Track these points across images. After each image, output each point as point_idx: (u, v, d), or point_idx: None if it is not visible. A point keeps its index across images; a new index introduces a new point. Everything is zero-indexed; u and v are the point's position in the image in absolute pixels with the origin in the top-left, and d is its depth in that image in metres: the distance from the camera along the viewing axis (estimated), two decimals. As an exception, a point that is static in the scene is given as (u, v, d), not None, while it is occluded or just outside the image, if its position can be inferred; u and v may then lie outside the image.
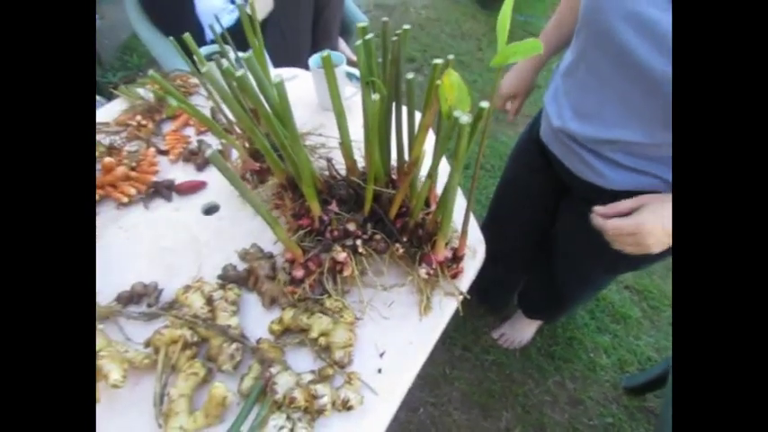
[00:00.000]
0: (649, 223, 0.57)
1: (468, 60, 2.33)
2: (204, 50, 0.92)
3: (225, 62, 0.62)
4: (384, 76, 0.56)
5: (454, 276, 0.67)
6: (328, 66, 0.49)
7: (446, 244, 0.65)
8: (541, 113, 0.88)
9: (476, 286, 0.68)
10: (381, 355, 0.62)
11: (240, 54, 0.58)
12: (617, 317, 1.31)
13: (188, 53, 0.70)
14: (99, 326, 0.62)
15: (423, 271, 0.64)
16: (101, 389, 0.54)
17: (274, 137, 0.57)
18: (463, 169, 1.68)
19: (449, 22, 2.70)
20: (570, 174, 0.80)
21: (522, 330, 1.26)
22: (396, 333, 0.64)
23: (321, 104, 0.99)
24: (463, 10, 2.70)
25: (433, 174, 0.55)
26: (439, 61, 0.49)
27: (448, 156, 0.63)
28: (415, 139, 0.52)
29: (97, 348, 0.56)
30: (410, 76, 0.49)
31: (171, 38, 0.69)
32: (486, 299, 1.33)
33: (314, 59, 0.92)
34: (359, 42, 0.52)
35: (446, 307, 0.66)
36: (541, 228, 1.00)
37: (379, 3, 2.76)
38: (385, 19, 0.57)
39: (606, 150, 0.70)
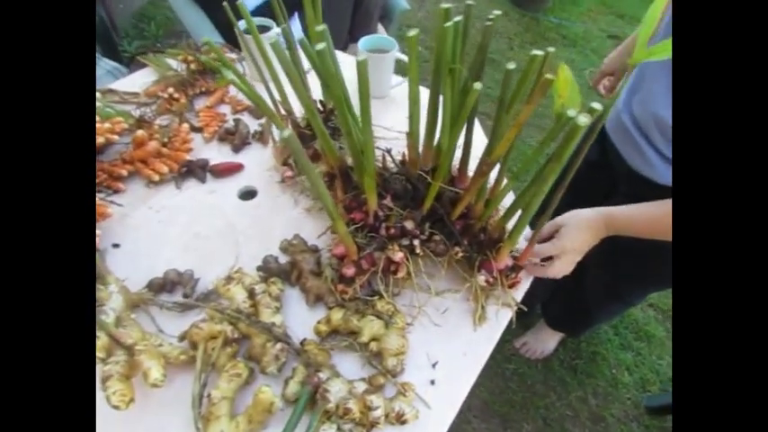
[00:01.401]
0: (568, 244, 0.61)
1: (498, 59, 2.27)
2: (256, 21, 0.86)
3: (282, 36, 0.57)
4: (472, 65, 0.51)
5: (512, 286, 0.63)
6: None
7: (510, 251, 0.61)
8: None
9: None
10: (434, 365, 0.57)
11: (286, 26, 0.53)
12: (640, 334, 1.28)
13: (221, 25, 0.65)
14: (131, 315, 0.57)
15: (482, 278, 0.60)
16: (135, 386, 0.49)
17: (340, 121, 0.52)
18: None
19: (480, 18, 2.64)
20: (623, 163, 0.78)
21: (544, 341, 1.23)
22: (448, 342, 0.59)
23: (374, 93, 0.94)
24: (497, 8, 2.63)
25: (519, 177, 0.50)
26: (539, 53, 0.44)
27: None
28: (500, 137, 0.47)
29: (132, 341, 0.51)
30: (512, 66, 0.44)
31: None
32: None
33: (364, 42, 0.86)
34: (449, 24, 0.47)
35: (502, 318, 0.62)
36: None
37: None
38: (470, 2, 0.52)
39: (656, 136, 0.69)
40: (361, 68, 0.44)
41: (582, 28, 2.50)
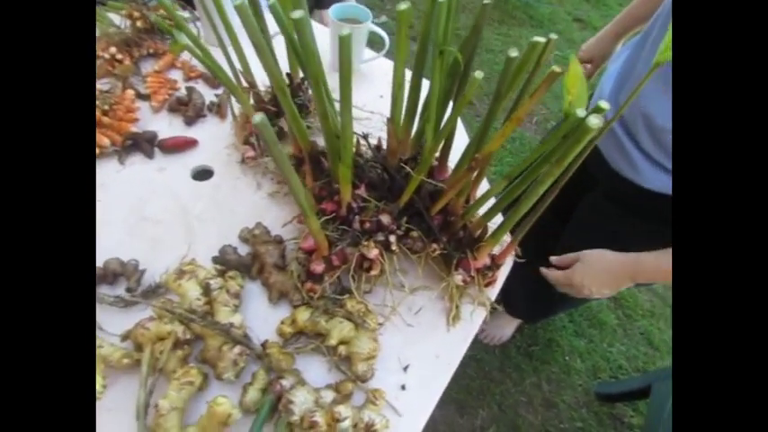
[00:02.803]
0: (578, 279, 0.61)
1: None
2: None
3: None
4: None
5: (488, 285, 0.60)
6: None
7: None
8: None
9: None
10: (406, 368, 0.54)
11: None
12: (594, 322, 1.33)
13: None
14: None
15: (459, 278, 0.57)
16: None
17: (316, 101, 0.46)
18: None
19: (495, 7, 2.56)
20: (605, 165, 0.74)
21: (502, 327, 1.24)
22: (421, 344, 0.56)
23: (334, 65, 0.87)
24: (514, 3, 2.54)
25: (510, 175, 0.46)
26: (541, 39, 0.40)
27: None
28: (488, 131, 0.43)
29: (63, 343, 0.44)
30: (514, 54, 0.39)
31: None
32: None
33: (335, 9, 0.79)
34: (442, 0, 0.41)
35: (476, 318, 0.59)
36: (546, 224, 0.96)
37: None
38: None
39: (643, 136, 0.65)
40: (344, 44, 0.38)
41: (549, 9, 2.48)
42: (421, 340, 0.56)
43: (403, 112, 0.53)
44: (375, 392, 0.50)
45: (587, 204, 0.84)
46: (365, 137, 0.58)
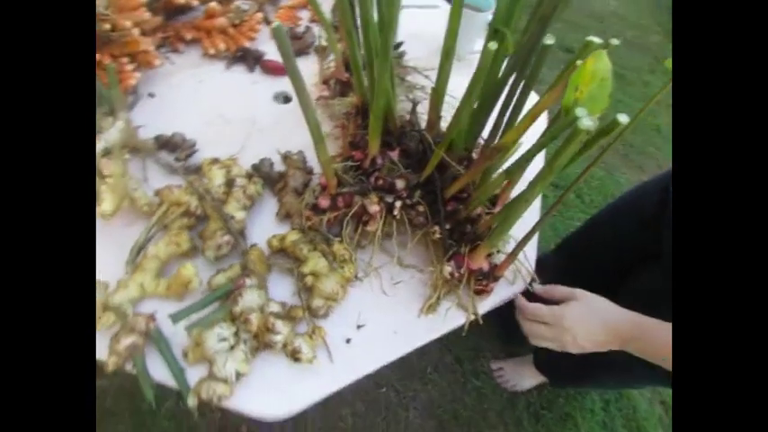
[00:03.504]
0: (568, 320, 0.52)
1: (631, 77, 2.03)
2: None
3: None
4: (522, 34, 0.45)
5: (478, 293, 0.57)
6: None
7: (489, 255, 0.55)
8: None
9: (501, 309, 0.59)
10: (359, 327, 0.55)
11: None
12: (632, 426, 1.15)
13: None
14: (126, 156, 0.61)
15: (448, 269, 0.55)
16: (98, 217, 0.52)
17: (365, 49, 0.49)
18: (552, 188, 1.51)
19: (634, 26, 2.37)
20: None
21: (522, 376, 1.15)
22: (387, 314, 0.56)
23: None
24: (658, 19, 2.34)
25: (514, 172, 0.44)
26: (596, 39, 0.37)
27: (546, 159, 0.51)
28: (515, 123, 0.41)
29: (108, 173, 0.54)
30: (549, 41, 0.37)
31: None
32: (506, 327, 1.21)
33: (460, -4, 0.80)
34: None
35: (451, 318, 0.57)
36: (604, 282, 0.86)
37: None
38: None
39: None
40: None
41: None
42: (388, 311, 0.57)
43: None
44: (317, 329, 0.52)
45: (651, 269, 0.74)
46: (415, 104, 0.59)
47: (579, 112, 0.31)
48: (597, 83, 0.32)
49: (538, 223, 0.47)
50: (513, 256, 0.52)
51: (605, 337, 0.50)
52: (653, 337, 0.48)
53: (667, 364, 0.48)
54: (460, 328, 0.57)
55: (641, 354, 0.49)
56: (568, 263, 0.99)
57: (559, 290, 0.55)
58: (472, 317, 0.57)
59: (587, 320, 0.51)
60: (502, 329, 1.23)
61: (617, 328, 0.50)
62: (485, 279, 0.56)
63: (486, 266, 0.55)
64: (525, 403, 1.15)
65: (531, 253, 0.62)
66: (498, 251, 0.57)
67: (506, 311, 0.60)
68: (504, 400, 1.14)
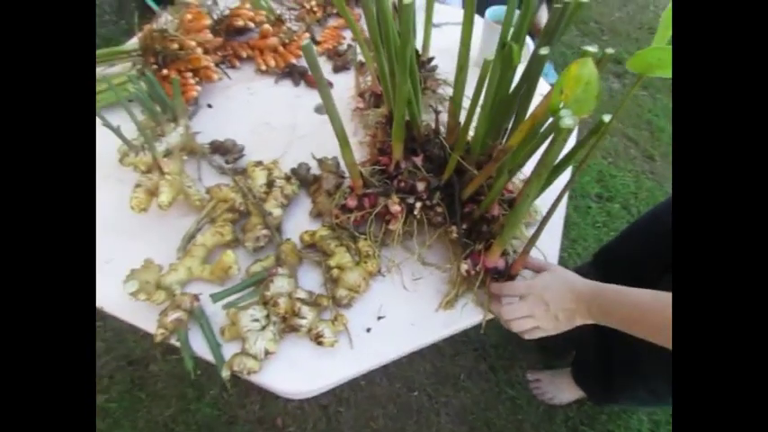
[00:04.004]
0: (539, 287, 0.54)
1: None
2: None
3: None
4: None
5: (495, 291, 0.60)
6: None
7: (504, 254, 0.58)
8: None
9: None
10: (379, 318, 0.59)
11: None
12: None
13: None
14: (183, 157, 0.70)
15: (464, 267, 0.58)
16: (154, 206, 0.61)
17: (388, 63, 0.54)
18: (596, 198, 1.46)
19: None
20: None
21: (560, 389, 1.12)
22: (406, 308, 0.60)
23: (478, 62, 0.92)
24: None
25: (511, 170, 0.47)
26: (592, 49, 0.39)
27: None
28: (516, 126, 0.44)
29: (168, 170, 0.63)
30: (545, 51, 0.40)
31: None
32: (543, 338, 1.19)
33: (492, 11, 0.83)
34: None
35: (468, 315, 0.60)
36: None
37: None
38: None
39: None
40: (406, 14, 0.44)
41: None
42: (407, 305, 0.60)
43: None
44: (340, 316, 0.56)
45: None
46: (436, 112, 0.63)
47: (563, 112, 0.34)
48: (582, 86, 0.34)
49: (544, 219, 0.49)
50: (524, 254, 0.54)
51: (573, 304, 0.52)
52: (608, 296, 0.50)
53: (630, 326, 0.49)
54: (500, 334, 0.59)
55: (604, 318, 0.50)
56: (604, 272, 0.97)
57: (538, 261, 0.58)
58: (489, 316, 0.59)
59: (557, 287, 0.53)
60: (539, 340, 1.21)
61: (582, 292, 0.52)
62: (501, 277, 0.58)
63: (501, 265, 0.58)
64: (563, 417, 1.12)
65: (552, 254, 0.63)
66: (515, 251, 0.59)
67: None
68: (540, 412, 1.12)
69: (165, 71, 0.77)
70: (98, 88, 0.77)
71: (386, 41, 0.51)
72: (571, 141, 0.55)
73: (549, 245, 0.64)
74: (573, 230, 1.41)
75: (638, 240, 0.89)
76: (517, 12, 0.47)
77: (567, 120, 0.33)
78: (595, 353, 1.02)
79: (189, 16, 0.82)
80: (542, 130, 0.38)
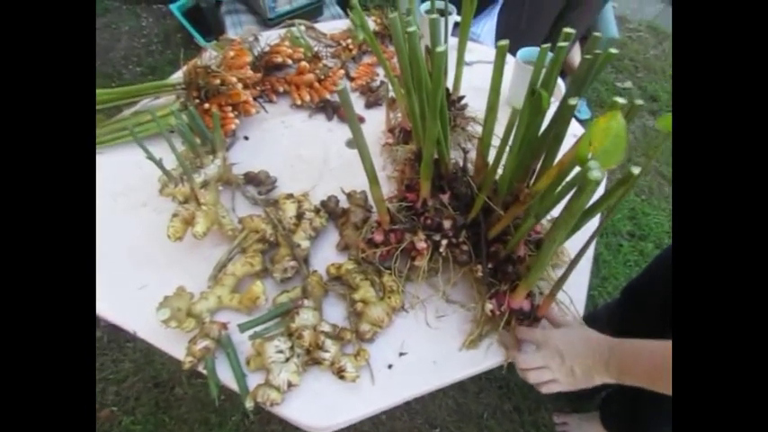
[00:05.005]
0: (555, 340, 0.53)
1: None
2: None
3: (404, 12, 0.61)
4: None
5: (520, 333, 0.59)
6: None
7: (529, 295, 0.57)
8: None
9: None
10: (401, 354, 0.59)
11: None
12: None
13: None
14: (219, 187, 0.73)
15: (489, 306, 0.58)
16: (189, 235, 0.64)
17: (419, 104, 0.56)
18: (628, 237, 1.42)
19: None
20: None
21: (587, 434, 1.07)
22: (428, 345, 0.60)
23: (509, 100, 0.93)
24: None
25: (537, 214, 0.47)
26: (621, 100, 0.40)
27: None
28: (544, 169, 0.44)
29: (204, 201, 0.66)
30: (573, 102, 0.41)
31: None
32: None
33: (523, 51, 0.85)
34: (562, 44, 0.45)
35: (492, 355, 0.59)
36: (663, 322, 0.80)
37: (653, 26, 2.39)
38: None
39: None
40: (438, 60, 0.46)
41: None
42: (430, 342, 0.60)
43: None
44: (362, 351, 0.57)
45: None
46: (465, 152, 0.64)
47: (591, 164, 0.35)
48: (611, 139, 0.35)
49: (572, 262, 0.48)
50: (551, 296, 0.54)
51: (590, 359, 0.50)
52: (625, 350, 0.48)
53: (647, 384, 0.47)
54: (501, 368, 0.58)
55: (624, 376, 0.48)
56: (630, 306, 0.94)
57: (556, 316, 0.57)
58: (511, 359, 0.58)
59: (572, 339, 0.53)
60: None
61: (598, 344, 0.50)
62: (526, 319, 0.58)
63: (526, 306, 0.57)
64: (590, 466, 1.06)
65: (579, 297, 0.62)
66: (541, 293, 0.59)
67: None
68: (565, 459, 1.07)
69: (206, 105, 0.81)
70: (142, 119, 0.82)
71: (417, 84, 0.53)
72: (601, 185, 0.54)
73: (576, 287, 0.63)
74: (604, 268, 1.37)
75: (660, 275, 0.86)
76: (550, 54, 0.48)
77: (596, 173, 0.34)
78: (623, 395, 0.98)
79: (231, 53, 0.87)
80: (569, 178, 0.38)
